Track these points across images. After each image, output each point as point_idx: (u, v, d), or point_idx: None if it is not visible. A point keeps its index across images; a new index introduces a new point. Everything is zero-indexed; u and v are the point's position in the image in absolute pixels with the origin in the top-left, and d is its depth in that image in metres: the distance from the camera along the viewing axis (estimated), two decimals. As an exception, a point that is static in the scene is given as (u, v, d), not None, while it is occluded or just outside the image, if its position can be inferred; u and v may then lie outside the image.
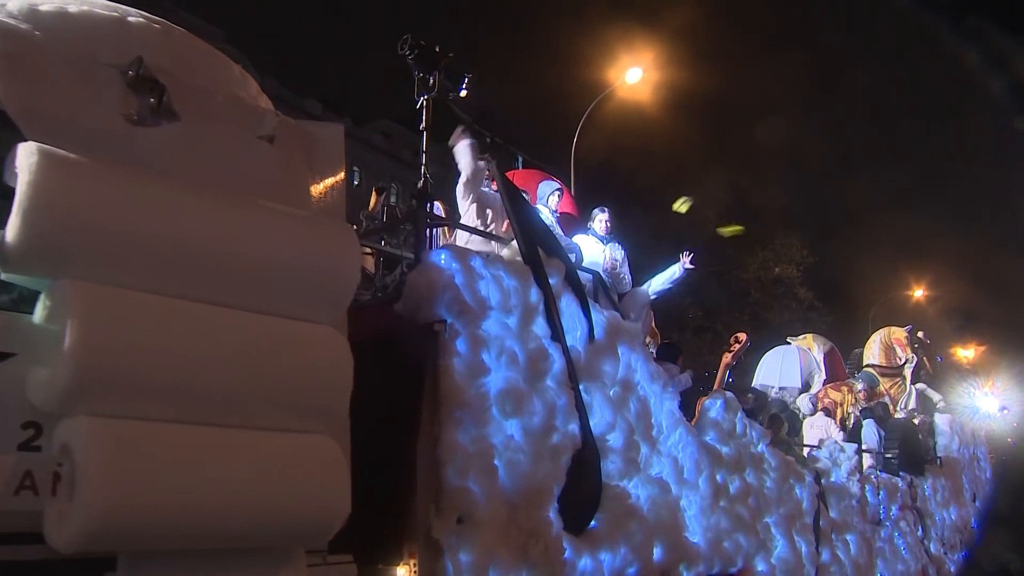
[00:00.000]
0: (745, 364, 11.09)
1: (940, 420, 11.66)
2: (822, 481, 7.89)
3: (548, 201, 6.39)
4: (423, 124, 5.05)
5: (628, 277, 6.64)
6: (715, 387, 10.09)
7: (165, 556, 3.15)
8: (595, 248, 6.48)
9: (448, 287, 4.56)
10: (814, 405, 10.72)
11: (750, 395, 8.81)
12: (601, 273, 6.22)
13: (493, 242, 5.43)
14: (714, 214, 32.35)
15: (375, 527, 4.42)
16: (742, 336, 10.79)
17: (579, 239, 6.44)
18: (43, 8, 3.35)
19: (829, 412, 10.27)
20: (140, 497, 2.86)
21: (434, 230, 5.41)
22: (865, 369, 12.03)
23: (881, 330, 12.71)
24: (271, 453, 3.29)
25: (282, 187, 3.90)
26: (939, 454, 11.29)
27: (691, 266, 6.91)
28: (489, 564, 4.31)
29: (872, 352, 12.28)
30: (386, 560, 4.33)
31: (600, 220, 6.68)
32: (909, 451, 9.94)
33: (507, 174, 6.70)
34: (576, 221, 7.08)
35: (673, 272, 7.12)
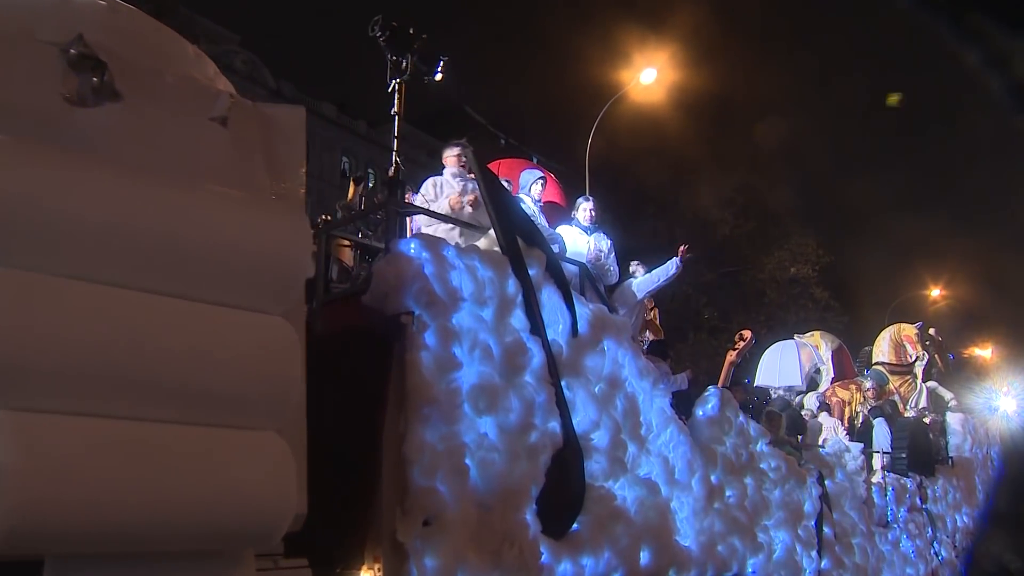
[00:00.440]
0: (748, 362, 10.79)
1: (952, 419, 11.30)
2: (826, 482, 7.59)
3: (531, 190, 6.15)
4: (395, 108, 4.83)
5: (614, 269, 6.38)
6: (719, 386, 9.81)
7: (96, 560, 2.96)
8: (580, 239, 6.24)
9: (416, 277, 4.34)
10: (821, 404, 10.41)
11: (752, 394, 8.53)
12: (587, 265, 5.97)
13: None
14: (729, 215, 32.14)
15: (339, 530, 4.22)
16: (747, 333, 10.51)
17: (563, 230, 6.20)
18: (-23, -18, 3.18)
19: (832, 411, 9.97)
20: (63, 496, 2.68)
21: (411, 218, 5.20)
22: (874, 367, 11.69)
23: (891, 327, 12.35)
24: (209, 449, 3.09)
25: (232, 171, 3.70)
26: (951, 454, 10.94)
27: (688, 255, 6.64)
28: (457, 568, 4.09)
29: (881, 349, 11.93)
30: (350, 564, 4.12)
31: (584, 209, 6.43)
32: (919, 451, 9.60)
33: (491, 164, 6.49)
34: (563, 211, 6.83)
35: (668, 268, 6.86)
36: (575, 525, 4.85)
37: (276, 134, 4.09)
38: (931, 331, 12.48)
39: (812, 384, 11.00)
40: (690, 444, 5.90)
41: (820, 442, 8.63)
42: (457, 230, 5.24)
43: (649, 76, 17.41)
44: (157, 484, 2.91)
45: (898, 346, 11.87)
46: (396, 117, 4.86)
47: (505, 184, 5.57)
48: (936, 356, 12.08)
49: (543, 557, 4.53)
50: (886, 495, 8.60)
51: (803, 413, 10.07)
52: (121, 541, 2.92)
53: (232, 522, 3.15)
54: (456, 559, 4.10)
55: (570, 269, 5.72)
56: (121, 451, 2.85)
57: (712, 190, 31.32)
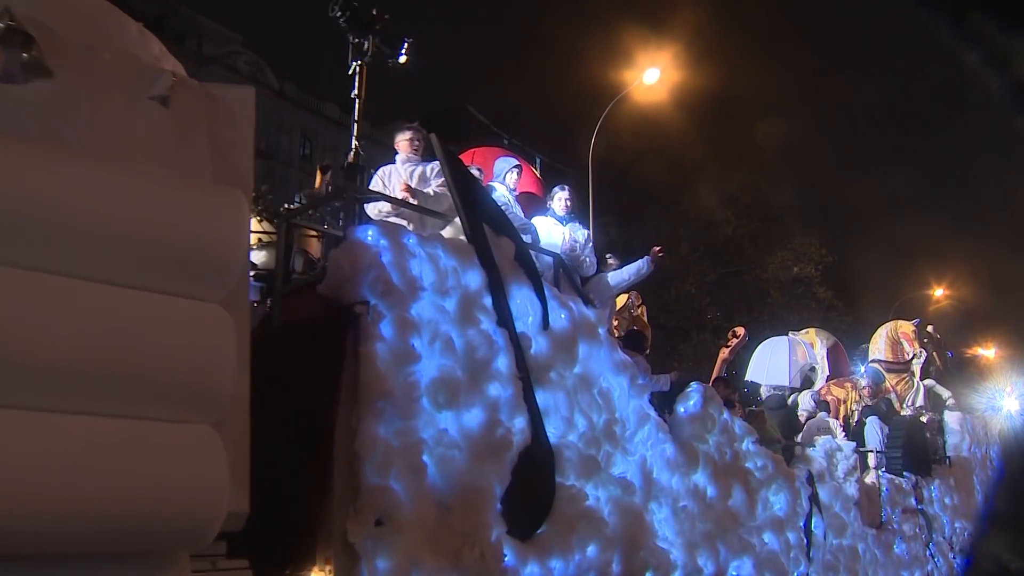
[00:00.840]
0: (742, 358, 10.58)
1: (950, 418, 11.03)
2: (816, 482, 7.36)
3: (505, 179, 5.94)
4: (355, 91, 4.64)
5: (591, 260, 6.16)
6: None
7: (11, 563, 2.78)
8: (555, 229, 6.02)
9: (373, 265, 4.14)
10: (817, 403, 10.17)
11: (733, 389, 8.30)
12: (562, 256, 5.76)
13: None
14: (732, 215, 32.00)
15: (290, 529, 4.04)
16: (740, 330, 10.32)
17: (538, 220, 5.99)
18: None
19: (829, 409, 9.73)
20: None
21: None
22: (870, 365, 11.44)
23: (887, 324, 12.08)
24: (131, 443, 2.90)
25: (170, 152, 3.53)
26: (948, 453, 10.68)
27: (661, 256, 6.44)
28: (412, 570, 3.88)
29: (878, 347, 11.66)
30: (300, 565, 3.93)
31: (560, 199, 6.22)
32: (915, 450, 9.35)
33: (465, 152, 6.30)
34: (540, 202, 6.62)
35: (640, 266, 6.65)
36: (543, 526, 4.64)
37: (223, 116, 3.92)
38: (929, 328, 12.23)
39: (807, 382, 10.75)
40: (670, 442, 5.69)
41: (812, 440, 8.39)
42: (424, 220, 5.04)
43: (652, 76, 17.41)
44: (74, 480, 2.73)
45: (895, 343, 11.61)
46: (357, 100, 4.66)
47: (475, 172, 5.37)
48: (934, 354, 11.81)
49: (507, 559, 4.32)
50: (880, 495, 8.35)
51: (800, 412, 9.87)
52: (35, 541, 2.74)
53: (157, 521, 2.97)
54: (411, 560, 3.90)
55: (545, 260, 5.52)
56: (35, 444, 2.67)
57: (715, 190, 31.24)
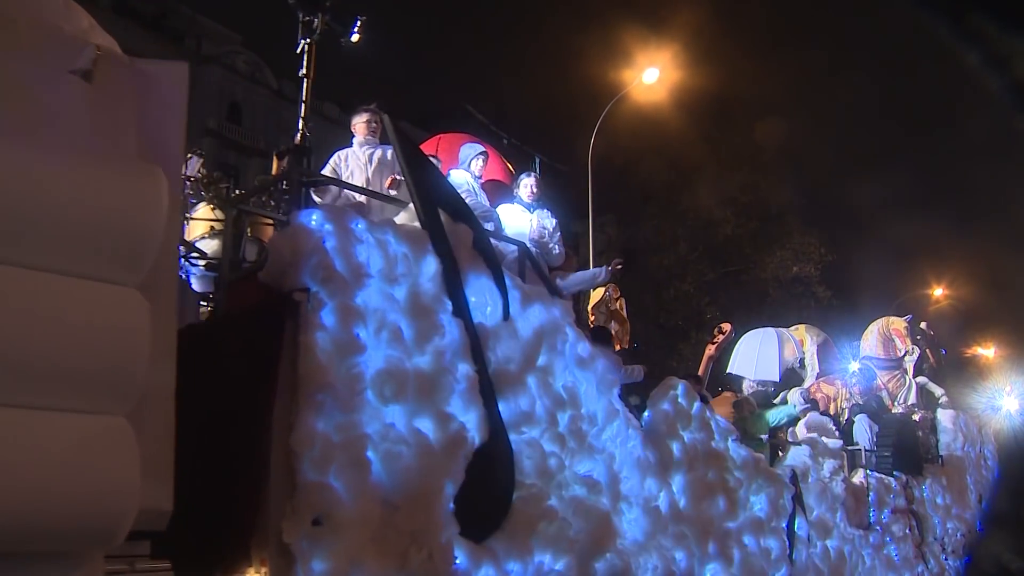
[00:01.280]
0: (727, 354, 10.30)
1: (943, 416, 10.78)
2: (800, 481, 7.13)
3: (470, 165, 5.72)
4: (303, 70, 4.42)
5: (559, 249, 5.93)
6: (697, 381, 9.37)
7: None
8: (521, 217, 5.80)
9: (315, 251, 3.93)
10: (807, 400, 9.92)
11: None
12: (528, 244, 5.53)
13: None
14: (731, 214, 31.82)
15: (225, 529, 3.82)
16: (726, 327, 10.06)
17: (503, 209, 5.76)
18: None
19: (818, 407, 9.46)
20: None
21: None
22: (862, 362, 11.17)
23: (879, 320, 11.80)
24: (27, 435, 2.69)
25: (89, 128, 3.33)
26: (941, 452, 10.42)
27: (619, 268, 6.27)
28: (352, 573, 3.66)
29: (869, 344, 11.40)
30: (234, 567, 3.71)
31: (526, 185, 5.98)
32: (905, 449, 9.10)
33: (431, 139, 6.08)
34: (509, 189, 6.38)
35: (596, 274, 6.48)
36: (501, 527, 4.42)
37: (153, 92, 3.72)
38: (922, 325, 11.97)
39: (796, 379, 10.49)
40: (641, 439, 5.46)
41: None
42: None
43: (652, 76, 17.38)
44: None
45: (886, 340, 11.34)
46: (305, 80, 4.45)
47: (434, 160, 5.15)
48: (928, 351, 11.55)
49: (458, 562, 4.09)
50: (868, 495, 8.11)
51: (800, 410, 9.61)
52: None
53: (58, 518, 2.75)
54: (351, 562, 3.68)
55: (508, 249, 5.30)
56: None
57: (714, 189, 31.09)
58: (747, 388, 9.57)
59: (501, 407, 4.57)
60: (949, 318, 24.57)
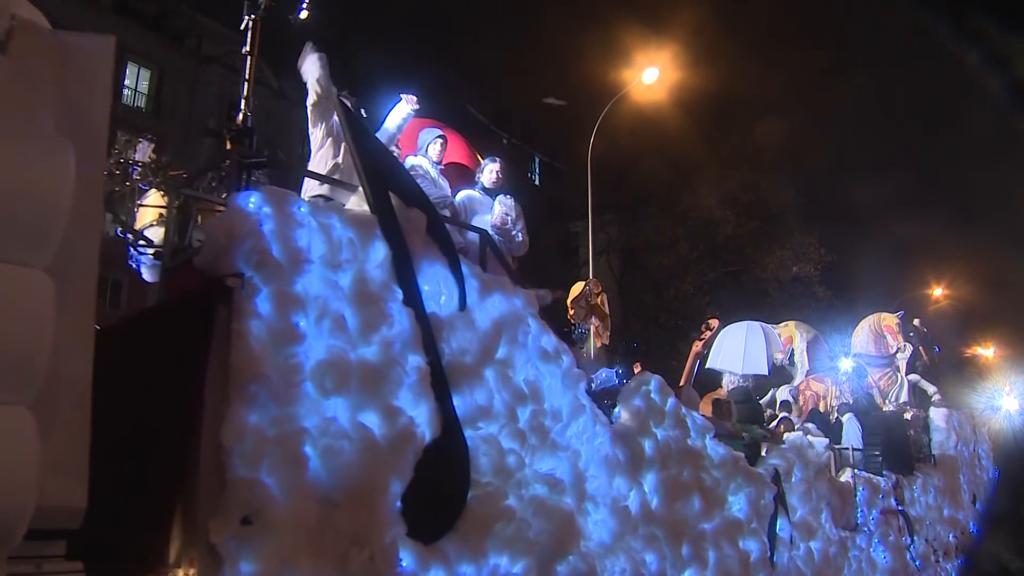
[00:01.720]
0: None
1: (936, 414, 10.51)
2: (782, 481, 6.89)
3: (427, 151, 5.49)
4: (246, 47, 4.21)
5: (522, 236, 5.70)
6: (683, 380, 9.18)
7: None
8: (484, 203, 5.56)
9: (251, 235, 3.71)
10: (795, 398, 9.69)
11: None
12: (491, 232, 5.30)
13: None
14: (731, 214, 31.69)
15: (153, 528, 3.61)
16: (714, 322, 9.85)
17: (464, 195, 5.54)
18: None
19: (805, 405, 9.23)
20: None
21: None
22: (853, 359, 10.91)
23: (870, 316, 11.53)
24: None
25: (2, 101, 3.13)
26: (934, 451, 10.16)
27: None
28: (284, 575, 3.44)
29: (860, 340, 11.13)
30: (160, 567, 3.49)
31: (491, 171, 5.75)
32: (895, 448, 8.84)
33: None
34: (473, 175, 6.14)
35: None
36: (454, 528, 4.19)
37: (77, 66, 3.52)
38: (915, 322, 11.71)
39: (786, 376, 10.25)
40: (609, 436, 5.23)
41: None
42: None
43: (651, 75, 17.37)
44: None
45: (878, 336, 11.08)
46: (248, 58, 4.23)
47: (394, 151, 4.92)
48: (921, 348, 11.29)
49: (404, 564, 3.87)
50: (855, 495, 7.86)
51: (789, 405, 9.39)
52: None
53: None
54: (283, 564, 3.45)
55: (470, 237, 5.07)
56: None
57: (714, 189, 31.00)
58: (728, 383, 9.32)
59: (456, 401, 4.35)
60: (949, 318, 24.31)
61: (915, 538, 8.70)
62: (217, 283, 3.66)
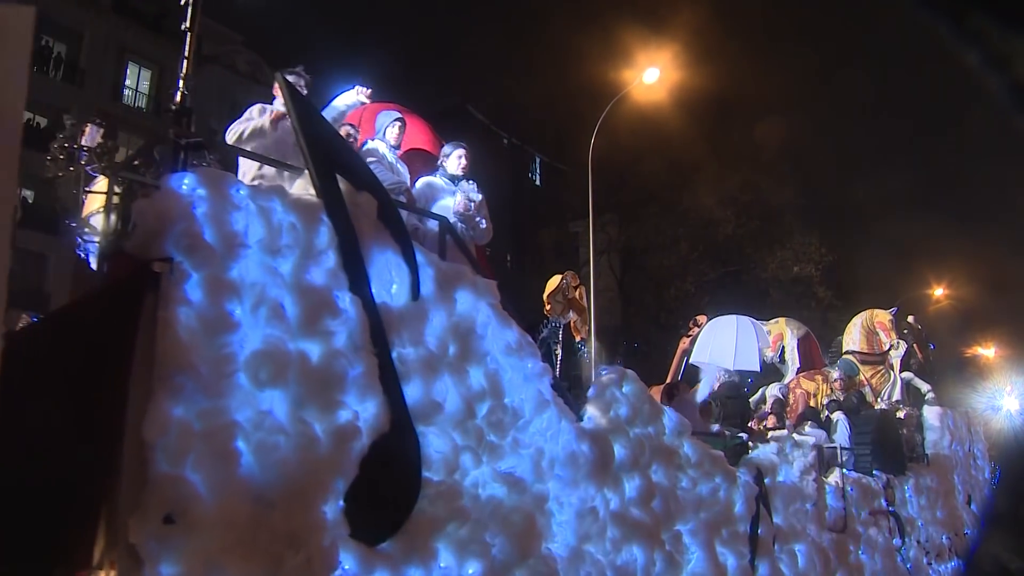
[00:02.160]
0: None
1: (929, 413, 10.26)
2: (765, 481, 6.66)
3: (385, 134, 5.27)
4: (185, 24, 4.01)
5: (485, 224, 5.47)
6: (670, 377, 8.98)
7: None
8: (445, 191, 5.34)
9: (181, 217, 3.51)
10: (785, 396, 9.45)
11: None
12: (453, 219, 5.08)
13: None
14: (731, 214, 31.57)
15: (73, 527, 3.40)
16: (702, 319, 9.67)
17: (424, 181, 5.32)
18: None
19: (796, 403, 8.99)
20: None
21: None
22: (844, 356, 10.67)
23: (863, 313, 11.28)
24: None
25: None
26: (927, 451, 9.91)
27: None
28: (209, 579, 3.24)
29: (852, 337, 10.88)
30: (77, 569, 3.28)
31: (456, 157, 5.50)
32: (886, 447, 8.60)
33: (355, 111, 5.63)
34: (435, 160, 5.91)
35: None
36: (401, 530, 3.98)
37: (-7, 37, 3.32)
38: (910, 319, 11.46)
39: (777, 373, 10.01)
40: (575, 433, 5.01)
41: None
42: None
43: (652, 75, 17.41)
44: None
45: (870, 333, 10.83)
46: (188, 34, 4.03)
47: (350, 129, 4.71)
48: (915, 346, 11.04)
49: (346, 567, 3.66)
50: (844, 496, 7.62)
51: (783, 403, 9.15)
52: None
53: None
54: (209, 566, 3.24)
55: (429, 225, 4.86)
56: None
57: (715, 189, 30.96)
58: (717, 378, 9.06)
59: (407, 396, 4.13)
60: (949, 318, 24.08)
61: (906, 540, 8.46)
62: (145, 269, 3.45)
